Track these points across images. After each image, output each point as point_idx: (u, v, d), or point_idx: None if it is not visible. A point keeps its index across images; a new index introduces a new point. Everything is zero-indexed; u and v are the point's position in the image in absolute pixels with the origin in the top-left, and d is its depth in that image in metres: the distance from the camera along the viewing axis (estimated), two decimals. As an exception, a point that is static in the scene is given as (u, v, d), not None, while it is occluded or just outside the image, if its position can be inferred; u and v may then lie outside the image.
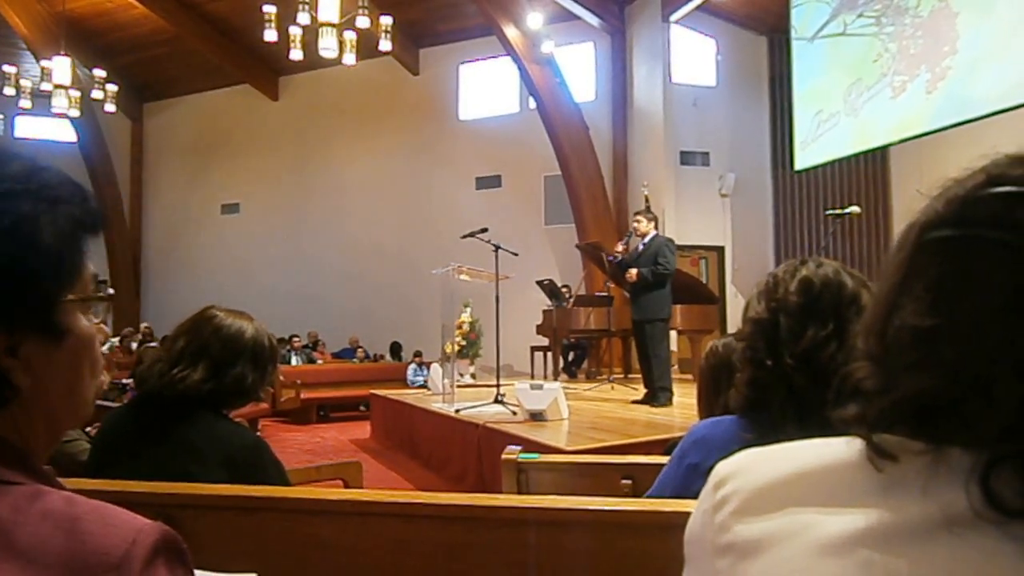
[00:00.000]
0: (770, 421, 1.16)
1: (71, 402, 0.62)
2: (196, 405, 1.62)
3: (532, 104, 11.36)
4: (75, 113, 11.35)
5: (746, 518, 0.54)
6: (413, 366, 10.84)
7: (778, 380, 1.15)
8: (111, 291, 0.65)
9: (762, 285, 1.24)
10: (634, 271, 5.82)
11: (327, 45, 8.20)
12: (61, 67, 10.74)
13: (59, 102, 10.86)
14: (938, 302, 0.49)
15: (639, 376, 6.64)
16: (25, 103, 11.55)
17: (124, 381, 5.43)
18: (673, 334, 7.60)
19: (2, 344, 0.56)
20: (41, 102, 11.54)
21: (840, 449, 0.53)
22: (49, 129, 14.82)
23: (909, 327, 0.50)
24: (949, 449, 0.48)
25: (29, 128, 15.10)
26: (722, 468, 0.59)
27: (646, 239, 5.97)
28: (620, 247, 6.12)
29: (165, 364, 1.65)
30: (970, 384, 0.47)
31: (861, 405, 0.53)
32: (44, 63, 10.97)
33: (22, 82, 11.39)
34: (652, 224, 6.03)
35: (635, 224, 6.08)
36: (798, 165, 9.62)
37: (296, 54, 8.63)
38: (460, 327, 9.79)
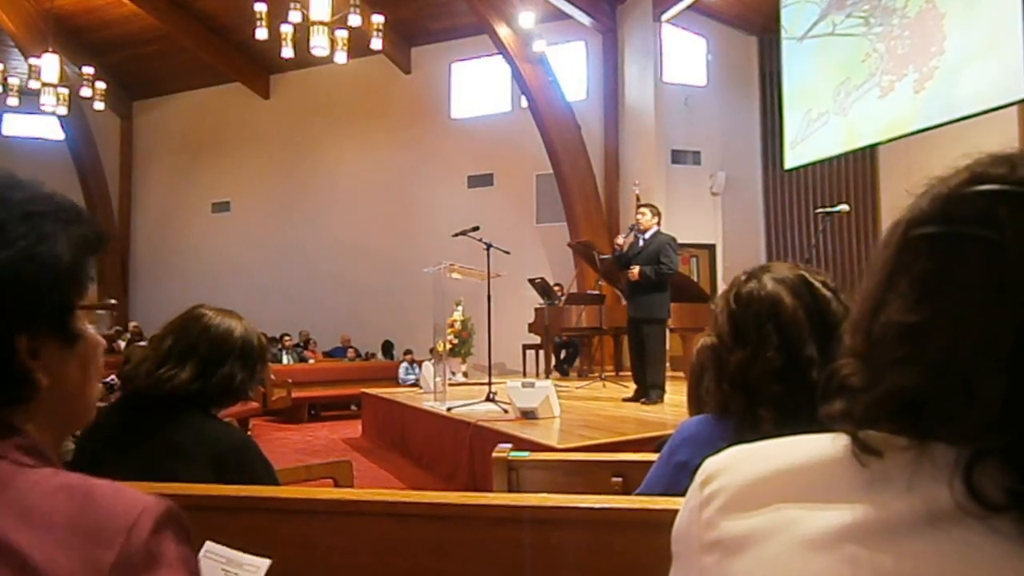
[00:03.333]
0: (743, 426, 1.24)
1: (80, 402, 0.69)
2: (183, 405, 1.61)
3: (524, 103, 11.36)
4: (63, 111, 11.27)
5: (733, 515, 0.55)
6: (404, 364, 10.82)
7: (727, 401, 1.26)
8: (114, 302, 0.70)
9: (713, 304, 1.34)
10: (636, 269, 5.73)
11: (318, 43, 8.18)
12: (49, 64, 10.66)
13: (47, 100, 10.78)
14: (922, 299, 0.49)
15: (631, 374, 6.64)
16: (13, 101, 11.47)
17: (111, 381, 5.40)
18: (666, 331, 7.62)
19: (27, 347, 0.62)
20: (29, 100, 11.46)
21: (826, 445, 0.53)
22: (37, 127, 14.71)
23: (894, 323, 0.50)
24: (933, 444, 0.48)
25: (17, 126, 14.98)
26: (709, 465, 0.59)
27: (647, 234, 5.89)
28: (620, 239, 6.04)
29: (152, 363, 1.64)
30: (953, 380, 0.47)
31: (847, 401, 0.53)
32: (32, 60, 10.88)
33: (10, 80, 11.30)
34: (656, 220, 5.95)
35: (639, 216, 6.00)
36: (788, 164, 9.66)
37: (287, 52, 8.59)
38: (452, 325, 9.78)
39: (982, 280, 0.47)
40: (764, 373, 1.19)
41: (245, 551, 1.30)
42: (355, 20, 8.43)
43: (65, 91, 10.93)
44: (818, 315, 1.20)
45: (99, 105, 11.62)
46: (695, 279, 10.24)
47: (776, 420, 1.16)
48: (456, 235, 6.17)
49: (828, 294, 1.23)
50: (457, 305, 10.00)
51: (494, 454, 2.05)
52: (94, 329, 0.71)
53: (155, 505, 0.60)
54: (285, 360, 11.16)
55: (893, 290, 0.51)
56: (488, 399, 5.63)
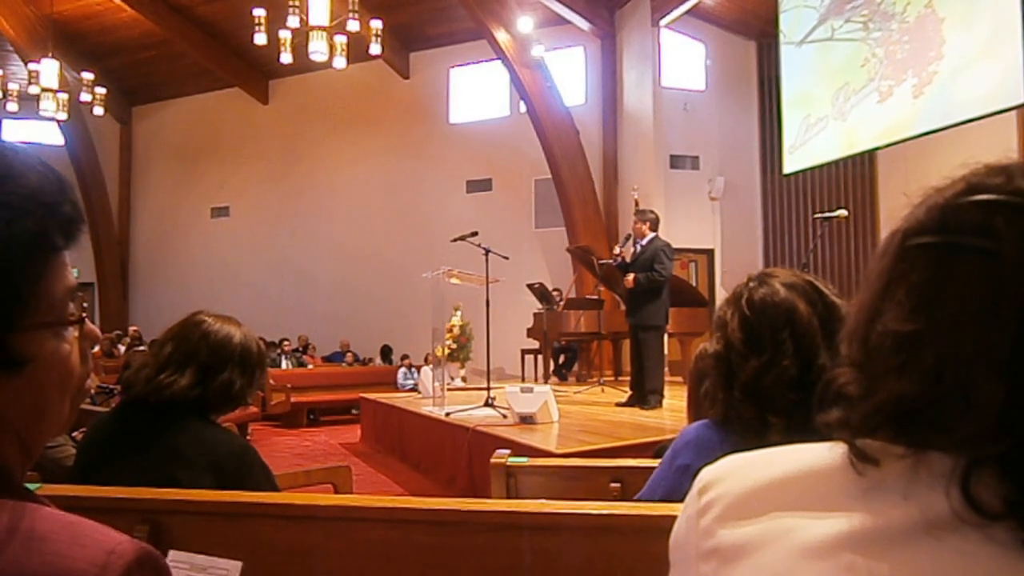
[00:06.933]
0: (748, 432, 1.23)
1: (41, 423, 0.58)
2: (183, 411, 1.61)
3: (523, 108, 11.37)
4: (63, 116, 11.28)
5: (730, 523, 0.55)
6: (403, 369, 10.81)
7: (736, 408, 1.25)
8: (85, 305, 0.60)
9: (721, 310, 1.32)
10: (631, 276, 5.79)
11: (317, 49, 8.19)
12: (49, 70, 10.67)
13: (47, 105, 10.78)
14: (919, 307, 0.50)
15: (630, 379, 6.64)
16: (12, 106, 11.47)
17: (111, 386, 5.40)
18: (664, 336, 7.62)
19: None
20: (29, 105, 11.46)
21: (823, 454, 0.54)
22: (37, 132, 14.71)
23: (891, 332, 0.51)
24: (930, 453, 0.48)
25: (16, 131, 14.98)
26: (707, 474, 0.59)
27: (644, 240, 5.94)
28: (617, 249, 6.10)
29: (152, 370, 1.64)
30: (949, 388, 0.47)
31: (844, 410, 0.53)
32: (32, 66, 10.89)
33: (9, 85, 11.32)
34: (647, 225, 6.00)
35: (634, 226, 6.08)
36: (787, 169, 9.67)
37: (286, 58, 8.61)
38: (451, 330, 9.77)
39: (978, 289, 0.47)
40: (779, 382, 1.19)
41: (244, 558, 1.30)
42: (354, 25, 8.44)
43: (65, 96, 10.94)
44: (829, 322, 1.21)
45: (99, 110, 11.62)
46: (694, 284, 10.24)
47: (785, 428, 1.16)
48: (455, 240, 6.17)
49: (837, 300, 1.24)
50: (456, 310, 10.00)
51: (492, 460, 2.05)
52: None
53: (119, 554, 0.50)
54: (284, 365, 11.15)
55: (890, 299, 0.52)
56: (487, 404, 5.63)
